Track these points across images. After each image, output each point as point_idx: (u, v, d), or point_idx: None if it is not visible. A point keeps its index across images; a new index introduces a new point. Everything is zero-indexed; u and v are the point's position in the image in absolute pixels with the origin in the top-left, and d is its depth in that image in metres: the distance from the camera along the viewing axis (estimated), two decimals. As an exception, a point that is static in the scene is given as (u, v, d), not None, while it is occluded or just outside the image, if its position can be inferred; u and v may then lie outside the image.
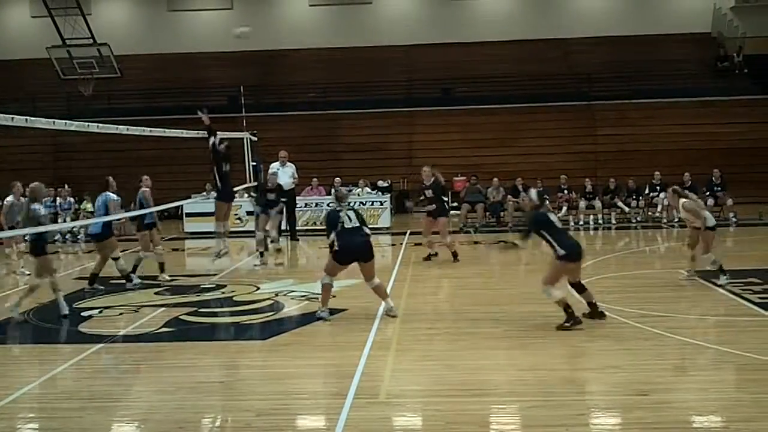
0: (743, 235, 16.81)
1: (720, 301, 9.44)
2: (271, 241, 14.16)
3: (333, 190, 9.48)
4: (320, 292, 8.93)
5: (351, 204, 9.15)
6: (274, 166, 16.25)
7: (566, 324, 7.91)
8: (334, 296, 10.16)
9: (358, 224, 8.69)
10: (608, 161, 24.95)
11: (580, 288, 8.36)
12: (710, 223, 10.26)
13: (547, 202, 9.32)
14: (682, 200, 10.40)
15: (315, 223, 17.86)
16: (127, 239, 19.71)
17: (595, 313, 8.33)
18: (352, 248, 8.55)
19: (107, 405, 6.12)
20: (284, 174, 16.10)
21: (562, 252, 8.04)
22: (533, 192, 8.65)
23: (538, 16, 29.93)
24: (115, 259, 11.08)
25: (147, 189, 12.04)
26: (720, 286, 9.85)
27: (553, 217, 8.43)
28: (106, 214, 10.99)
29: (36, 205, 9.00)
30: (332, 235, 8.57)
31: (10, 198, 12.87)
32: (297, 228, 17.49)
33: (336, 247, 8.54)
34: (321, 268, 13.41)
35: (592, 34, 29.02)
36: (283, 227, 16.57)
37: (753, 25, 28.60)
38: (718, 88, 25.89)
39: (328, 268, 8.81)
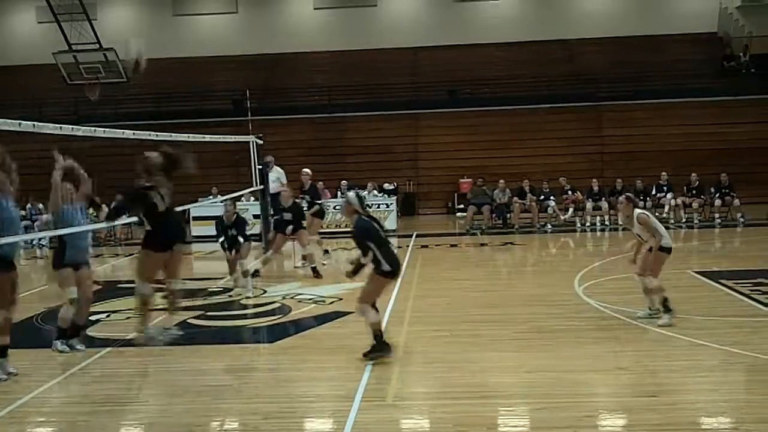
0: (751, 235, 16.74)
1: (728, 301, 9.40)
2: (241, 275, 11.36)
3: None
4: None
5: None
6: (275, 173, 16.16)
7: (372, 353, 7.00)
8: (341, 299, 10.19)
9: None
10: (614, 162, 24.91)
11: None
12: (666, 243, 8.27)
13: (369, 207, 7.67)
14: (637, 211, 8.46)
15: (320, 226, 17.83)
16: (135, 243, 19.78)
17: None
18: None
19: (116, 408, 6.13)
20: (269, 179, 15.80)
21: (387, 268, 7.01)
22: (351, 194, 7.33)
23: (543, 17, 29.92)
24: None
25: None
26: (660, 326, 8.02)
27: (377, 224, 7.24)
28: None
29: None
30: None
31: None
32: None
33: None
34: (330, 270, 13.51)
35: (598, 35, 28.99)
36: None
37: (759, 25, 28.50)
38: (724, 88, 25.81)
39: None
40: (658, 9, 29.48)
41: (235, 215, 11.80)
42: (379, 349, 7.04)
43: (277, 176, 16.25)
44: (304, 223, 13.10)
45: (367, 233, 7.08)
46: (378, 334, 7.09)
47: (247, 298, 10.78)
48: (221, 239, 11.71)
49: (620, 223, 18.84)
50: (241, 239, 11.48)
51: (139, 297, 7.37)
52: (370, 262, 7.06)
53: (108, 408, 6.13)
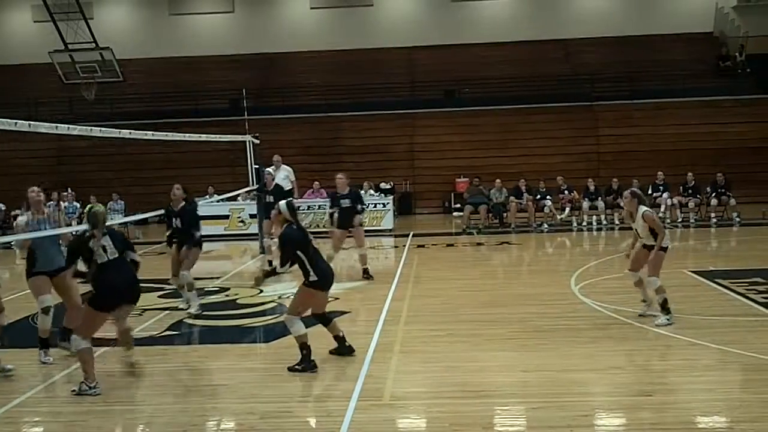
0: (747, 234, 16.78)
1: (724, 301, 9.43)
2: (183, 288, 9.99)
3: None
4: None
5: None
6: (267, 171, 16.18)
7: (297, 366, 6.86)
8: (337, 298, 10.19)
9: None
10: (611, 161, 24.93)
11: (324, 320, 7.32)
12: (665, 243, 8.32)
13: (303, 216, 7.56)
14: (643, 208, 8.35)
15: (317, 226, 17.86)
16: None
17: (342, 348, 7.27)
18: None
19: (112, 408, 6.13)
20: (277, 177, 15.88)
21: (314, 278, 6.95)
22: (283, 204, 7.13)
23: (540, 17, 29.95)
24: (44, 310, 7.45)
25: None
26: (657, 325, 8.03)
27: (308, 235, 7.12)
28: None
29: None
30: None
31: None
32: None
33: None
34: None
35: (594, 35, 29.04)
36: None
37: (755, 25, 28.57)
38: (720, 88, 25.88)
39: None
40: (654, 9, 29.52)
41: (184, 201, 9.70)
42: (305, 364, 6.85)
43: (285, 174, 16.31)
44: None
45: (292, 242, 6.93)
46: (304, 349, 6.90)
47: (188, 313, 9.50)
48: (168, 232, 9.90)
49: (617, 222, 18.97)
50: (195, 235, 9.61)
51: (77, 354, 6.55)
52: (290, 271, 7.05)
53: (104, 407, 6.13)
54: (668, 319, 8.07)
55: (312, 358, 6.90)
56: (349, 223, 11.88)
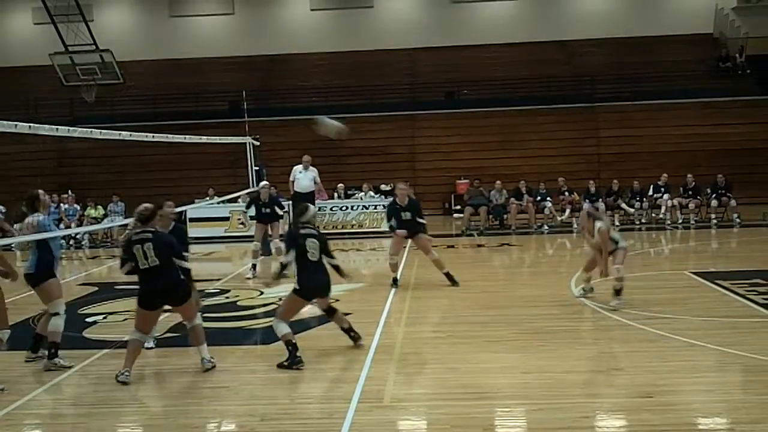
0: (747, 236, 16.77)
1: (724, 302, 9.42)
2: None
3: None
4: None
5: None
6: (297, 169, 16.20)
7: (285, 363, 7.04)
8: (338, 300, 10.18)
9: None
10: (611, 163, 24.93)
11: (330, 312, 7.68)
12: (624, 244, 9.25)
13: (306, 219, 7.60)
14: (599, 223, 9.16)
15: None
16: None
17: (350, 337, 7.66)
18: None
19: (112, 411, 6.13)
20: (305, 177, 16.02)
21: (297, 286, 7.31)
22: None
23: (540, 18, 29.97)
24: (54, 314, 7.43)
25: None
26: (611, 307, 8.85)
27: (306, 242, 7.32)
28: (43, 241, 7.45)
29: None
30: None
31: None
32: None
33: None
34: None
35: (594, 36, 29.06)
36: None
37: (755, 26, 28.59)
38: (720, 89, 25.88)
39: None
40: (655, 10, 29.54)
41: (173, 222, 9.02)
42: (291, 360, 7.01)
43: (312, 176, 16.19)
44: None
45: (291, 241, 7.39)
46: (289, 345, 7.08)
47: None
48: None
49: (617, 224, 18.97)
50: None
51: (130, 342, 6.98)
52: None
53: (105, 410, 6.12)
54: (619, 300, 8.96)
55: (298, 354, 7.03)
56: (412, 233, 11.17)
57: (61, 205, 19.86)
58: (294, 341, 7.13)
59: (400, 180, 11.69)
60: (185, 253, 8.34)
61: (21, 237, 7.52)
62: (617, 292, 9.04)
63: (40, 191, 7.60)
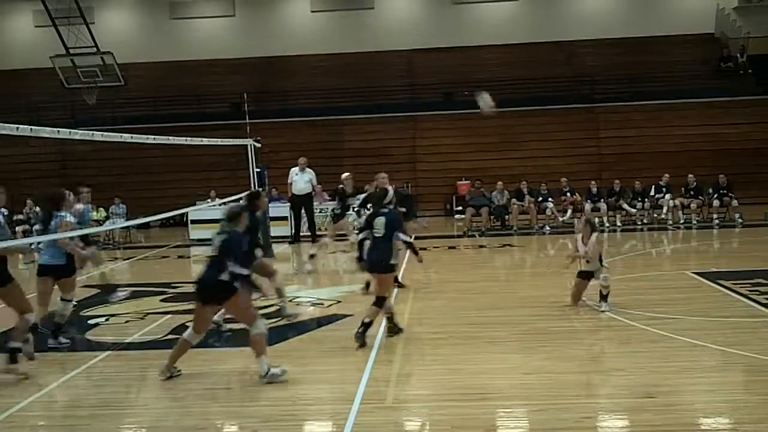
0: (749, 236, 16.77)
1: (726, 302, 9.42)
2: None
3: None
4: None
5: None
6: (294, 171, 16.79)
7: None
8: (339, 301, 10.20)
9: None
10: (612, 163, 24.94)
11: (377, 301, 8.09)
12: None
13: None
14: (596, 234, 9.32)
15: (319, 228, 17.85)
16: (134, 247, 19.81)
17: (392, 327, 8.25)
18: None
19: (115, 412, 6.13)
20: (301, 180, 16.67)
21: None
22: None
23: (540, 19, 29.97)
24: (67, 300, 8.34)
25: None
26: (602, 311, 8.91)
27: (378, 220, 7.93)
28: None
29: None
30: None
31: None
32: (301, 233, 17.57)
33: None
34: (328, 272, 13.54)
35: (595, 36, 29.06)
36: (303, 232, 17.19)
37: (756, 25, 28.57)
38: (721, 89, 25.87)
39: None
40: (655, 10, 29.54)
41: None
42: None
43: (309, 178, 16.66)
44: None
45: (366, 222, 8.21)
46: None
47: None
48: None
49: (619, 224, 18.98)
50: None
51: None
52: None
53: (108, 412, 6.13)
54: (608, 306, 8.95)
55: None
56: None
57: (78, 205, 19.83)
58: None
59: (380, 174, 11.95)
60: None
61: (57, 235, 7.79)
62: (604, 297, 9.01)
63: (65, 191, 8.34)
